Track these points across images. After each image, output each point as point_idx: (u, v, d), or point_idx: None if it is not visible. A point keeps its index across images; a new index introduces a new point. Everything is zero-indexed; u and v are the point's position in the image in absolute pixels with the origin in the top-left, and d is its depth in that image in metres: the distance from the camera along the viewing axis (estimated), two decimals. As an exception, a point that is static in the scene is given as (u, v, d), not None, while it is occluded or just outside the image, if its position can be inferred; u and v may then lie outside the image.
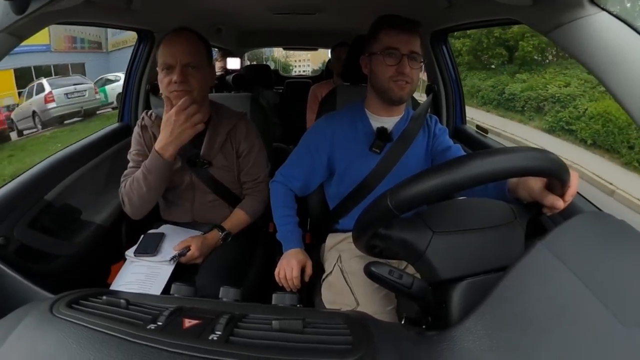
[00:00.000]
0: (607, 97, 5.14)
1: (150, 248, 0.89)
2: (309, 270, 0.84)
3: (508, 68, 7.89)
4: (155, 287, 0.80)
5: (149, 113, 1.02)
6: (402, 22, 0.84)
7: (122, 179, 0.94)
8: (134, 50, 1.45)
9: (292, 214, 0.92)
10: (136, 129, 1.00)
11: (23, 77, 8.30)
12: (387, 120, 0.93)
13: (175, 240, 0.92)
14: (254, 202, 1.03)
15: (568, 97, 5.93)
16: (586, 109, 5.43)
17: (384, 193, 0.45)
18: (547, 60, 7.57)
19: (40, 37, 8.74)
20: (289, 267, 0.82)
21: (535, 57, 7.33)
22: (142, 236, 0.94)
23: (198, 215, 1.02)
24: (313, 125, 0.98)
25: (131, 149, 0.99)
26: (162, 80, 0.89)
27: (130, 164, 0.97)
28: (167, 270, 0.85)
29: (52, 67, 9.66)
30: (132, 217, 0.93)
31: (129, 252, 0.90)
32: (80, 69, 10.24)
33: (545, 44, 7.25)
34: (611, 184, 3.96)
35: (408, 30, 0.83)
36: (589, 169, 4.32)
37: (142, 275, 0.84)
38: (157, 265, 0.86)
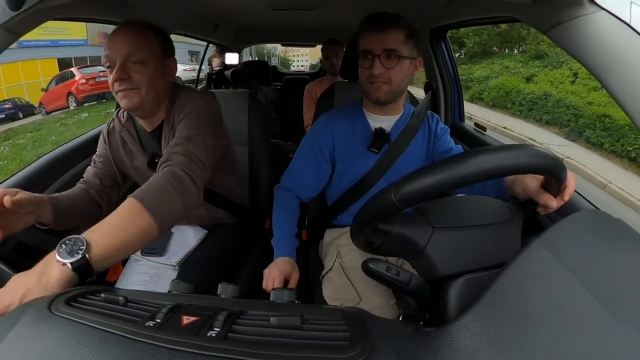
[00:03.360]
0: (507, 75, 8.69)
1: (158, 247, 0.86)
2: (292, 283, 0.80)
3: (460, 60, 10.00)
4: (160, 289, 0.79)
5: (119, 114, 0.91)
6: (374, 21, 0.82)
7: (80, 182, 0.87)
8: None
9: (290, 220, 0.90)
10: (107, 127, 0.91)
11: (65, 66, 10.21)
12: (385, 120, 0.92)
13: (181, 238, 0.91)
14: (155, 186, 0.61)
15: (484, 78, 9.09)
16: (487, 84, 8.94)
17: (386, 187, 0.45)
18: (497, 53, 10.34)
19: (79, 33, 10.89)
20: (271, 278, 0.79)
21: (477, 51, 10.22)
22: None
23: (194, 219, 0.97)
24: (312, 125, 0.97)
25: (96, 152, 0.91)
26: (109, 80, 0.77)
27: (89, 170, 0.89)
28: (172, 274, 0.83)
29: (87, 58, 11.33)
30: None
31: None
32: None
33: (485, 42, 10.07)
34: (504, 127, 7.21)
35: (381, 28, 0.81)
36: (491, 120, 7.13)
37: (146, 275, 0.82)
38: (162, 267, 0.84)
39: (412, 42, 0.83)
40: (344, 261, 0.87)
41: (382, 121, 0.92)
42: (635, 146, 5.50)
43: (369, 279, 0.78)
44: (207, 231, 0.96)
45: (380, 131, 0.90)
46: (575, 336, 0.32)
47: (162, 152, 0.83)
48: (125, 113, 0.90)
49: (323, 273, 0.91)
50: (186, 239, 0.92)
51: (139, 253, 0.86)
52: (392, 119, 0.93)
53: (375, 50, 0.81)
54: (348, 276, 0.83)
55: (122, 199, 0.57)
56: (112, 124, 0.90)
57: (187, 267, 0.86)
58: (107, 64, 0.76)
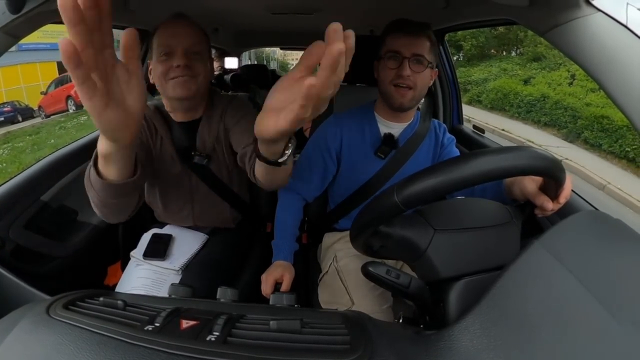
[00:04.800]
0: (505, 77, 8.90)
1: (160, 251, 0.86)
2: (284, 286, 0.79)
3: (458, 63, 10.42)
4: (163, 294, 0.77)
5: (149, 105, 0.90)
6: (406, 24, 0.82)
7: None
8: (130, 49, 1.44)
9: (292, 223, 0.90)
10: None
11: (64, 69, 9.78)
12: (395, 126, 0.92)
13: (182, 242, 0.90)
14: None
15: (482, 80, 9.29)
16: (485, 86, 9.24)
17: (389, 188, 0.45)
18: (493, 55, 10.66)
19: None
20: (265, 281, 0.79)
21: (475, 54, 10.48)
22: (150, 237, 0.90)
23: (199, 219, 0.98)
24: (322, 125, 0.97)
25: None
26: (158, 69, 0.77)
27: None
28: (175, 279, 0.83)
29: None
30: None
31: (136, 254, 0.87)
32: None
33: (482, 44, 10.30)
34: (503, 129, 7.30)
35: (412, 33, 0.81)
36: (490, 122, 7.15)
37: (148, 280, 0.81)
38: (165, 272, 0.83)
39: (433, 52, 0.84)
40: (339, 265, 0.87)
41: (392, 127, 0.92)
42: (634, 147, 5.52)
43: (363, 283, 0.79)
44: (207, 235, 0.96)
45: (388, 136, 0.90)
46: (575, 337, 0.32)
47: (196, 146, 0.87)
48: (153, 104, 0.89)
49: (320, 277, 0.91)
50: (187, 243, 0.91)
51: (140, 256, 0.85)
52: (402, 126, 0.93)
53: (404, 52, 0.81)
54: (342, 280, 0.83)
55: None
56: None
57: (190, 272, 0.86)
58: (163, 52, 0.77)
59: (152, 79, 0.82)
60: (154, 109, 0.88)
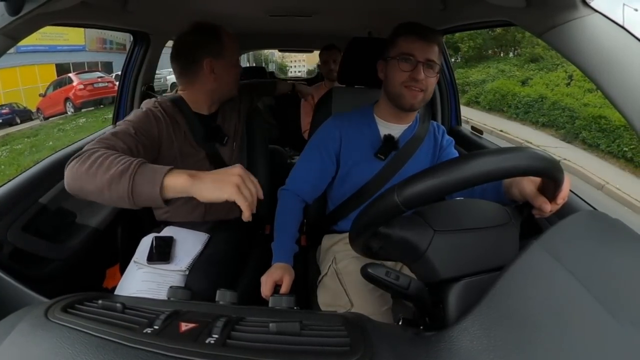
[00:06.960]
0: (503, 78, 9.02)
1: (164, 255, 0.85)
2: (284, 288, 0.79)
3: (456, 64, 10.64)
4: None
5: (166, 100, 0.93)
6: (421, 29, 0.83)
7: (93, 144, 0.68)
8: (129, 51, 1.44)
9: (292, 224, 0.89)
10: (152, 108, 0.88)
11: (63, 71, 10.48)
12: (395, 128, 0.93)
13: (184, 243, 0.89)
14: None
15: (480, 81, 9.37)
16: (484, 88, 9.40)
17: (389, 188, 0.45)
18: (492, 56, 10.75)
19: (77, 39, 11.02)
20: (265, 283, 0.78)
21: (473, 55, 10.59)
22: (151, 241, 0.89)
23: (210, 209, 0.99)
24: (321, 126, 0.97)
25: (130, 119, 0.83)
26: (235, 72, 1.01)
27: (118, 134, 0.74)
28: (181, 281, 0.82)
29: (85, 64, 11.57)
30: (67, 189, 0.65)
31: (139, 259, 0.85)
32: (108, 66, 12.30)
33: (480, 46, 10.44)
34: (501, 130, 7.33)
35: (426, 38, 0.82)
36: (488, 123, 7.17)
37: (154, 283, 0.80)
38: (171, 274, 0.82)
39: (441, 57, 0.86)
40: (338, 267, 0.87)
41: (392, 128, 0.92)
42: (631, 146, 5.54)
43: (363, 285, 0.79)
44: (209, 235, 0.95)
45: (389, 138, 0.90)
46: (575, 337, 0.32)
47: (220, 127, 1.03)
48: (169, 100, 0.96)
49: (319, 279, 0.91)
50: (190, 243, 0.90)
51: (143, 260, 0.84)
52: (402, 127, 0.93)
53: (418, 56, 0.82)
54: (341, 282, 0.83)
55: None
56: (158, 106, 0.91)
57: (196, 272, 0.85)
58: (236, 62, 1.05)
59: (211, 76, 0.96)
60: (172, 104, 0.95)
